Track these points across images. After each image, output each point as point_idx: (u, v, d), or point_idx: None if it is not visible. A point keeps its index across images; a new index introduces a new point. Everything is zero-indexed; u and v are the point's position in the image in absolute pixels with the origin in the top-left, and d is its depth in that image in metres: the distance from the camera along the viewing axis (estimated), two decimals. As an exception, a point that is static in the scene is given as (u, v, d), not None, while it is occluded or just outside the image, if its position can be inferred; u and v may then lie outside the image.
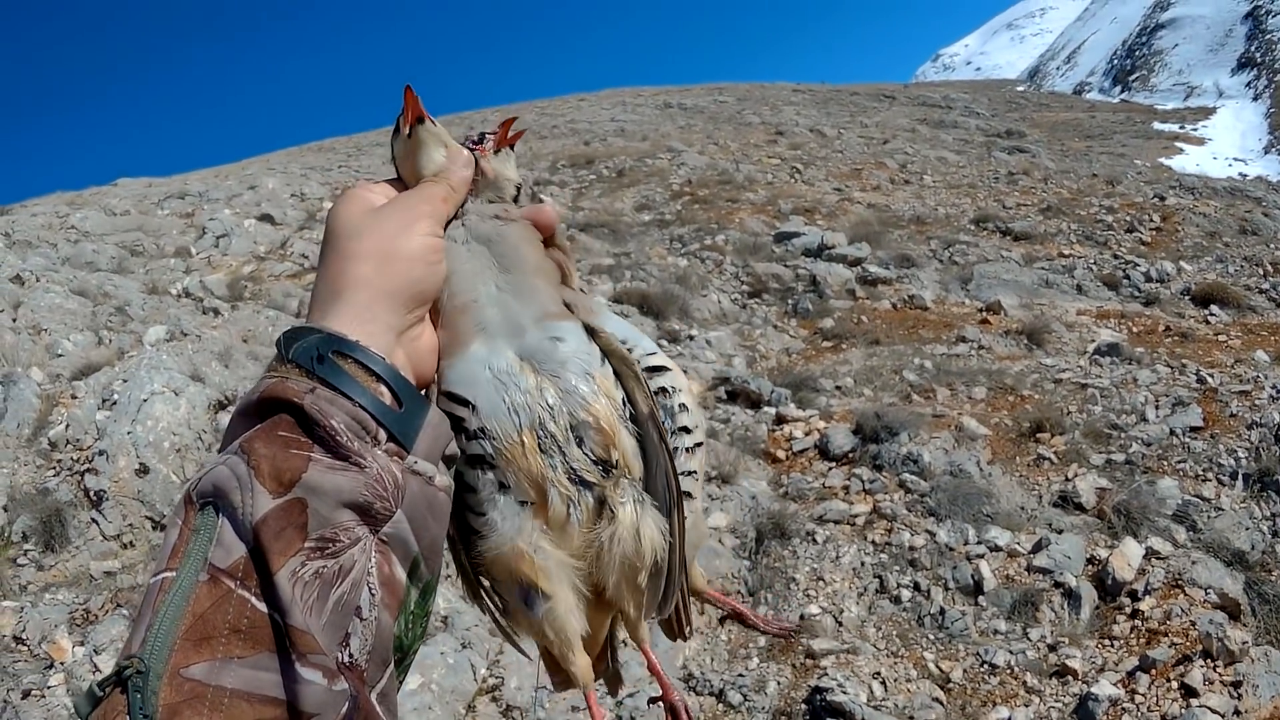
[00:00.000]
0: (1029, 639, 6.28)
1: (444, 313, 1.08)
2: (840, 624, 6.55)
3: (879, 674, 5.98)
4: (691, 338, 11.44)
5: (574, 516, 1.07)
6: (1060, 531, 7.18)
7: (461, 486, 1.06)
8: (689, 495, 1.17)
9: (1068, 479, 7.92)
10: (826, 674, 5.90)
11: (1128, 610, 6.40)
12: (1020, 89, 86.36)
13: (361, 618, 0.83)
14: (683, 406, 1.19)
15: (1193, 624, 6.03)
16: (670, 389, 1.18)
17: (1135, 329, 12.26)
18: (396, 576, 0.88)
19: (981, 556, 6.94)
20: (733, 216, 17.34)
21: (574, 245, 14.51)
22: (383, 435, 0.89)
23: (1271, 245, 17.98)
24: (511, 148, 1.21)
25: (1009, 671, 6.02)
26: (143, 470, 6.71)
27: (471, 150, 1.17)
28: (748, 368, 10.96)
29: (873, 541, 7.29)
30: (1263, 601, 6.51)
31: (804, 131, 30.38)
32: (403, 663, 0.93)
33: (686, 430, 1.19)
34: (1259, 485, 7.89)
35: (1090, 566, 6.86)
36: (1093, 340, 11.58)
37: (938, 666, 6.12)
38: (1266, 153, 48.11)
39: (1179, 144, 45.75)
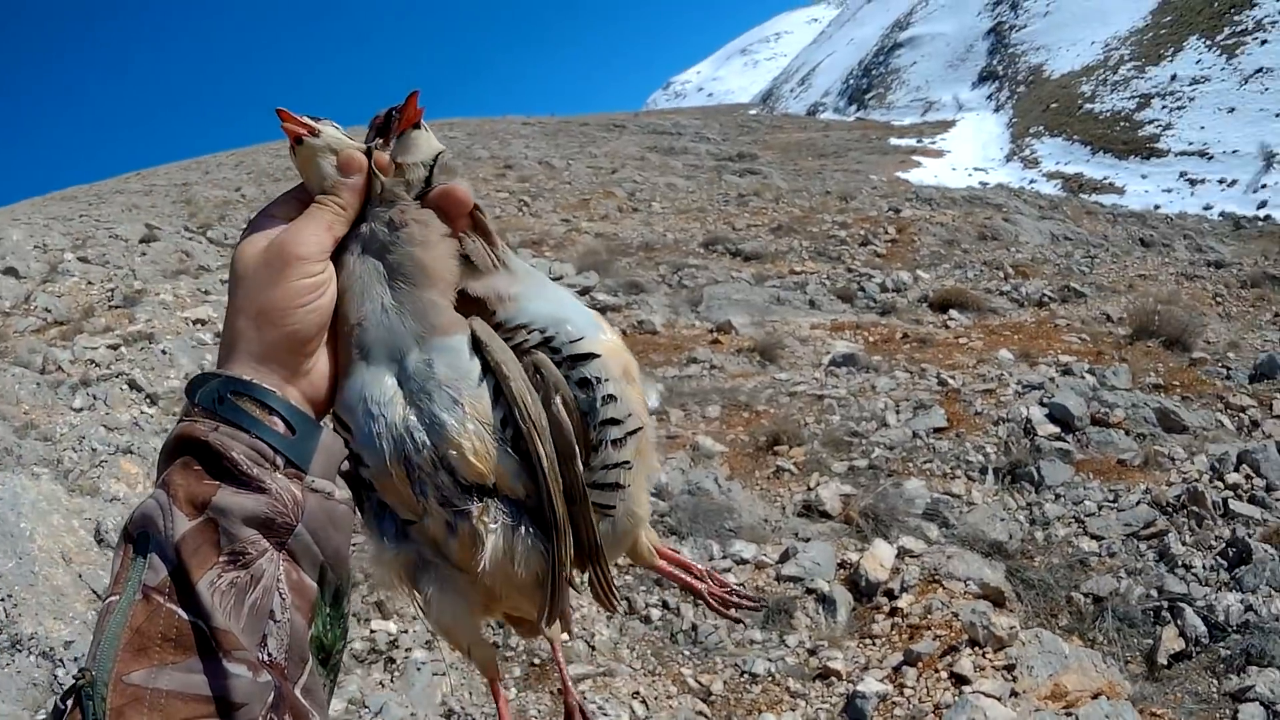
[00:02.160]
0: (787, 645, 6.83)
1: (340, 333, 1.21)
2: (593, 648, 6.88)
3: (638, 693, 6.36)
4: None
5: (450, 539, 1.21)
6: (807, 540, 7.82)
7: (357, 499, 1.24)
8: (617, 486, 1.30)
9: (810, 488, 8.68)
10: (586, 698, 6.22)
11: (886, 609, 7.08)
12: (753, 112, 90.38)
13: (275, 620, 1.05)
14: (609, 398, 1.25)
15: (955, 615, 6.73)
16: (593, 379, 1.25)
17: (871, 338, 13.43)
18: (306, 583, 1.11)
19: (728, 570, 7.46)
20: (459, 245, 18.03)
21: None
22: (280, 460, 1.11)
23: (1012, 249, 19.87)
24: (417, 125, 1.26)
25: (770, 679, 6.54)
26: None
27: (369, 148, 1.25)
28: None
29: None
30: (1027, 587, 7.34)
31: (533, 164, 32.28)
32: (329, 661, 1.20)
33: (615, 422, 1.26)
34: (1010, 477, 8.84)
35: (842, 570, 7.52)
36: (828, 352, 12.58)
37: (697, 680, 6.57)
38: (1008, 160, 51.88)
39: (916, 158, 49.15)
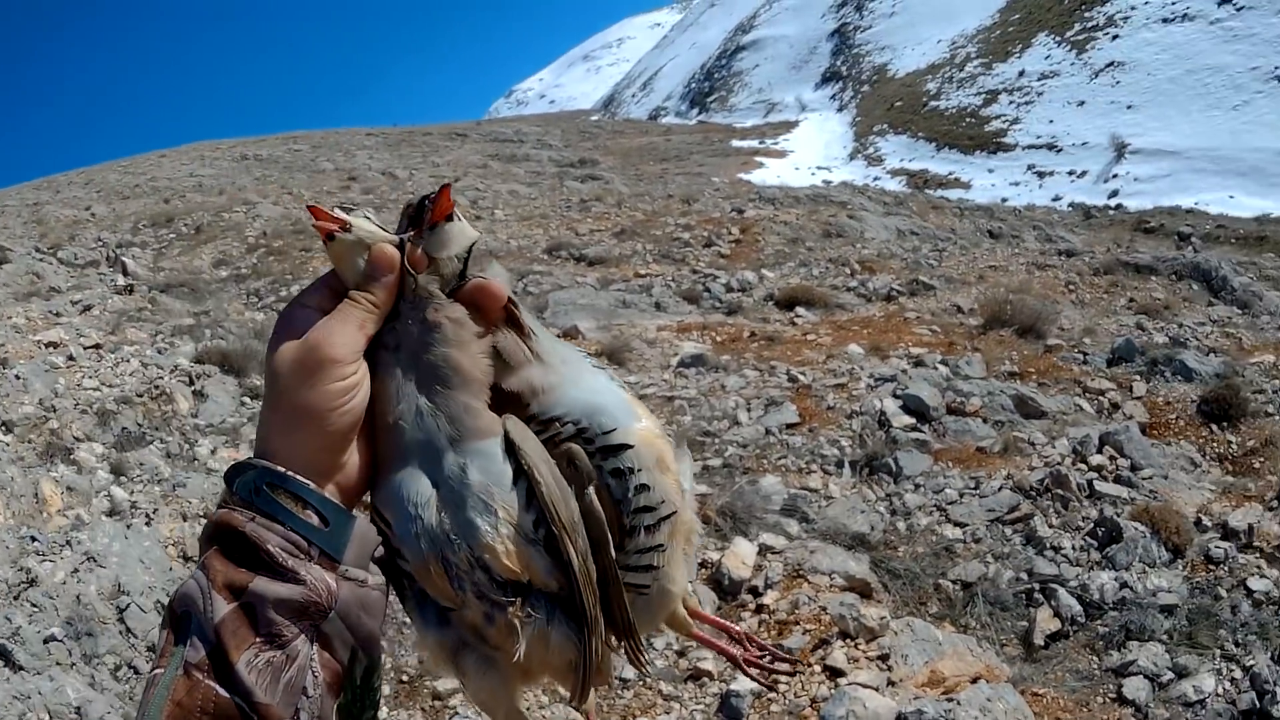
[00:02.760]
0: (655, 649, 6.78)
1: (377, 428, 1.27)
2: (461, 663, 6.82)
3: (508, 705, 6.30)
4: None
5: (489, 627, 1.28)
6: (664, 542, 7.76)
7: (396, 585, 1.31)
8: (651, 568, 1.37)
9: (665, 489, 8.60)
10: (457, 713, 6.26)
11: (752, 606, 7.12)
12: (594, 118, 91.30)
13: (308, 695, 1.14)
14: (642, 487, 1.32)
15: (823, 609, 6.79)
16: (626, 470, 1.31)
17: (719, 338, 13.62)
18: (337, 662, 1.19)
19: (591, 576, 7.40)
20: (307, 266, 18.91)
21: (156, 308, 15.35)
22: (315, 551, 1.18)
23: (858, 245, 20.35)
24: (450, 217, 1.29)
25: (642, 684, 6.53)
26: None
27: (402, 240, 1.28)
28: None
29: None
30: (894, 577, 7.44)
31: (376, 175, 33.70)
32: None
33: (648, 509, 1.33)
34: (868, 470, 8.95)
35: (704, 570, 7.48)
36: (676, 354, 12.73)
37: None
38: (852, 159, 52.89)
39: (759, 159, 50.00)
